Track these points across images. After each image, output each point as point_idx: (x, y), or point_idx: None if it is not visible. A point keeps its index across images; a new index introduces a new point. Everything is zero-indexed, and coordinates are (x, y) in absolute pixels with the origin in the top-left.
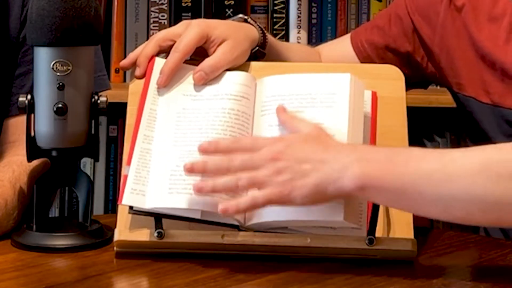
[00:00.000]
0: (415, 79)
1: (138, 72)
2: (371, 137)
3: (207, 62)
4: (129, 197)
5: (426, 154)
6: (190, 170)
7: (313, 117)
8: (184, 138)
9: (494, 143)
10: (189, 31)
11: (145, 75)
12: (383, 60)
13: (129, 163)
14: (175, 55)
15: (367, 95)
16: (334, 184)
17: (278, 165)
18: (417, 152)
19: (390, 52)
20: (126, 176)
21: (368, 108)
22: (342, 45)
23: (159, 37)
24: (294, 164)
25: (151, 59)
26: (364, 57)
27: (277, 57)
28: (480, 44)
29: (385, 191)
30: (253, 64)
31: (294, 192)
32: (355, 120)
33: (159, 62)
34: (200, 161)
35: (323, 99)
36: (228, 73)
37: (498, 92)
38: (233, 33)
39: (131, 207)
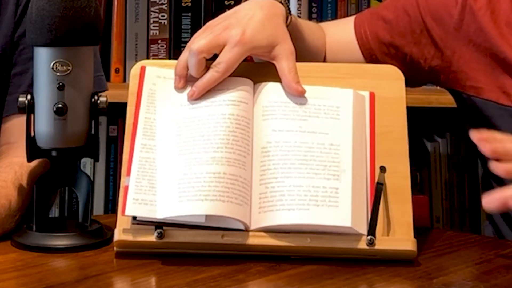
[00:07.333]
0: (412, 78)
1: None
2: (371, 138)
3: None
4: (132, 207)
5: None
6: (481, 138)
7: (318, 127)
8: (188, 146)
9: None
10: (233, 51)
11: (138, 84)
12: (384, 55)
13: (128, 173)
14: (216, 75)
15: (366, 95)
16: None
17: None
18: None
19: (393, 48)
20: (127, 187)
21: (366, 109)
22: (344, 30)
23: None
24: None
25: (141, 68)
26: (366, 49)
27: (296, 38)
28: (500, 48)
29: None
30: (251, 65)
31: None
32: (359, 135)
33: (150, 70)
34: (500, 145)
35: (327, 111)
36: (224, 79)
37: None
38: (274, 36)
39: (134, 218)
